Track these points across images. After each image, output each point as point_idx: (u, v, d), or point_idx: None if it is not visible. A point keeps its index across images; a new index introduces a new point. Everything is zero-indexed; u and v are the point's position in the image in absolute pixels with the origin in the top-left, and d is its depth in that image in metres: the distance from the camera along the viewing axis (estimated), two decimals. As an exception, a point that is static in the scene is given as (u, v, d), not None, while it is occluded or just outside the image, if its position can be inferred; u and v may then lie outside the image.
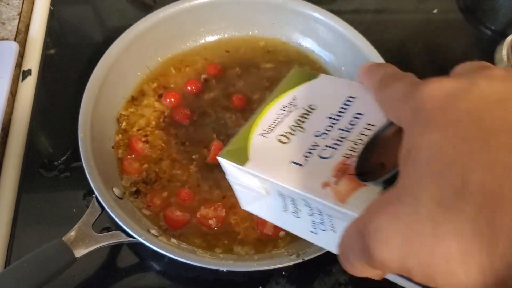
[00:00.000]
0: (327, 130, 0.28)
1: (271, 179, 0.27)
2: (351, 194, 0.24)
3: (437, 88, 0.21)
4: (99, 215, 0.41)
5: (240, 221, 0.45)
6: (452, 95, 0.20)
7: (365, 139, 0.27)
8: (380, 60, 0.50)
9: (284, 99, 0.31)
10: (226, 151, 0.30)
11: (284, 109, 0.31)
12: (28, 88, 0.55)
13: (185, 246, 0.42)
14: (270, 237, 0.44)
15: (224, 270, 0.39)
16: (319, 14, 0.54)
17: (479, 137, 0.18)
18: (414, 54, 0.65)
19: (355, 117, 0.28)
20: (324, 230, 0.27)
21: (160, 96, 0.52)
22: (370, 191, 0.24)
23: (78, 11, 0.65)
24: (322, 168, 0.26)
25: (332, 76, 0.31)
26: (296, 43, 0.57)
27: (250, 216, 0.44)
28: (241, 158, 0.28)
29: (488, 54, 0.62)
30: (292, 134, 0.29)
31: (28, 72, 0.56)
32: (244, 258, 0.42)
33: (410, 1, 0.69)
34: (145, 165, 0.48)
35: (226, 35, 0.57)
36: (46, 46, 0.60)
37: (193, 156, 0.49)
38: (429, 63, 0.64)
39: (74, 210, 0.47)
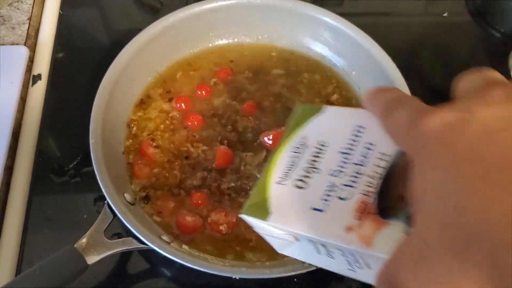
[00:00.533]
0: (342, 167, 0.28)
1: (295, 231, 0.27)
2: (375, 235, 0.24)
3: (438, 121, 0.20)
4: (110, 222, 0.41)
5: (251, 227, 0.45)
6: (453, 128, 0.20)
7: (381, 171, 0.26)
8: (391, 64, 0.49)
9: (294, 140, 0.30)
10: (248, 207, 0.29)
11: (296, 151, 0.30)
12: (38, 93, 0.55)
13: (197, 253, 0.42)
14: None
15: (237, 278, 0.39)
16: (329, 18, 0.53)
17: (480, 176, 0.18)
18: (424, 57, 0.65)
19: (367, 148, 0.28)
20: (360, 268, 0.27)
21: (171, 100, 0.52)
22: (393, 229, 0.24)
23: (86, 15, 0.65)
24: (343, 211, 0.26)
25: (337, 107, 0.30)
26: (306, 48, 0.57)
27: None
28: (263, 212, 0.28)
29: (498, 56, 0.61)
30: (308, 177, 0.28)
31: (38, 77, 0.56)
32: (256, 265, 0.42)
33: (418, 4, 0.69)
34: (156, 170, 0.48)
35: (235, 40, 0.57)
36: (55, 50, 0.60)
37: (203, 161, 0.48)
38: (439, 66, 0.64)
39: (85, 215, 0.47)
